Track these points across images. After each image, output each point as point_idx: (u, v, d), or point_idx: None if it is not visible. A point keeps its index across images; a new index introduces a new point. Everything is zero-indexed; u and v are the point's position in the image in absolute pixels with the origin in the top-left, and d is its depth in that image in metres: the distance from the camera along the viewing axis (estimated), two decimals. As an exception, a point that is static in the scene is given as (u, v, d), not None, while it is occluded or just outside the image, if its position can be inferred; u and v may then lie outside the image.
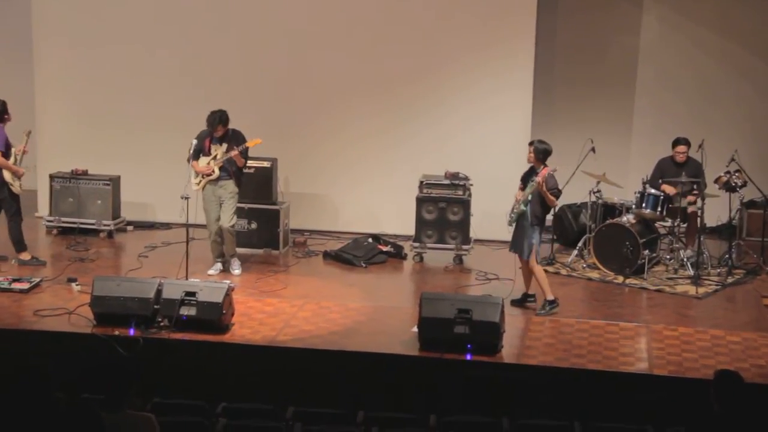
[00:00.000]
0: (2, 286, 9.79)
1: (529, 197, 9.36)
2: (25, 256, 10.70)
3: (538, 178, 9.24)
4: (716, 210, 11.55)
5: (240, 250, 10.90)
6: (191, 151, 10.27)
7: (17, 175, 10.50)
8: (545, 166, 9.35)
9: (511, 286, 9.86)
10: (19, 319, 9.14)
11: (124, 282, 9.16)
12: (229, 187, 10.48)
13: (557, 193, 9.44)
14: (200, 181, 10.45)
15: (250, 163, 10.91)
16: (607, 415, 7.52)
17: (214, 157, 10.40)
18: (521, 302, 9.72)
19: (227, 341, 8.77)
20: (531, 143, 9.54)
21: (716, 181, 10.92)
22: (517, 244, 9.59)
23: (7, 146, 10.49)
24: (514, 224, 9.55)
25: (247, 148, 10.40)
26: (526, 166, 9.64)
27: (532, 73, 11.96)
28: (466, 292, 10.12)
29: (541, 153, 9.38)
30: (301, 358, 8.56)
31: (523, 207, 9.42)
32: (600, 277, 10.72)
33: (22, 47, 13.00)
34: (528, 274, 9.66)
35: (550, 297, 9.56)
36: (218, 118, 10.33)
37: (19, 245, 10.72)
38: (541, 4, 12.03)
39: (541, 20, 12.13)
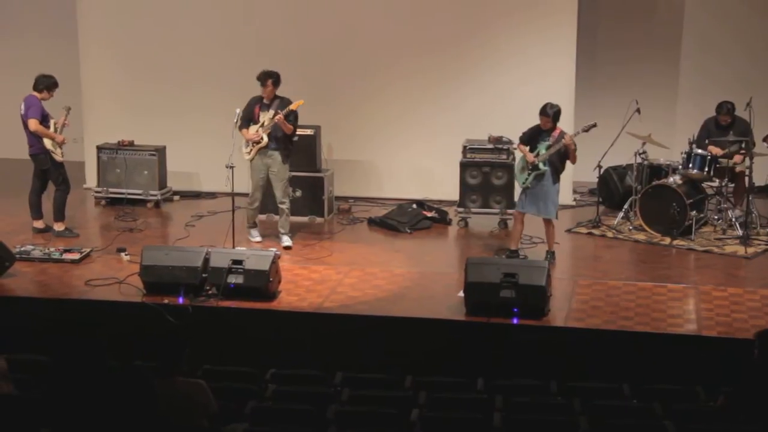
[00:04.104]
0: (54, 257, 9.93)
1: (547, 157, 9.50)
2: (59, 226, 10.72)
3: (567, 140, 9.44)
4: (765, 169, 11.39)
5: (285, 218, 10.94)
6: (238, 120, 10.09)
7: (58, 143, 10.53)
8: (556, 126, 9.59)
9: (557, 250, 9.89)
10: (71, 289, 9.29)
11: (172, 251, 9.28)
12: (278, 158, 10.28)
13: None
14: (251, 149, 10.29)
15: (292, 130, 10.91)
16: (656, 377, 7.50)
17: (262, 124, 10.24)
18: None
19: (275, 308, 8.85)
20: (544, 112, 9.56)
21: (765, 139, 10.77)
22: (540, 206, 9.70)
23: (44, 116, 10.49)
24: (528, 185, 9.66)
25: (291, 112, 10.14)
26: (569, 131, 9.72)
27: (575, 35, 11.83)
28: (512, 256, 10.11)
29: (557, 116, 9.59)
30: (348, 324, 8.61)
31: (543, 167, 9.53)
32: (647, 238, 10.64)
33: (68, 20, 13.12)
34: (551, 233, 9.80)
35: (553, 249, 9.80)
36: (268, 74, 10.12)
37: (57, 215, 10.73)
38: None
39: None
